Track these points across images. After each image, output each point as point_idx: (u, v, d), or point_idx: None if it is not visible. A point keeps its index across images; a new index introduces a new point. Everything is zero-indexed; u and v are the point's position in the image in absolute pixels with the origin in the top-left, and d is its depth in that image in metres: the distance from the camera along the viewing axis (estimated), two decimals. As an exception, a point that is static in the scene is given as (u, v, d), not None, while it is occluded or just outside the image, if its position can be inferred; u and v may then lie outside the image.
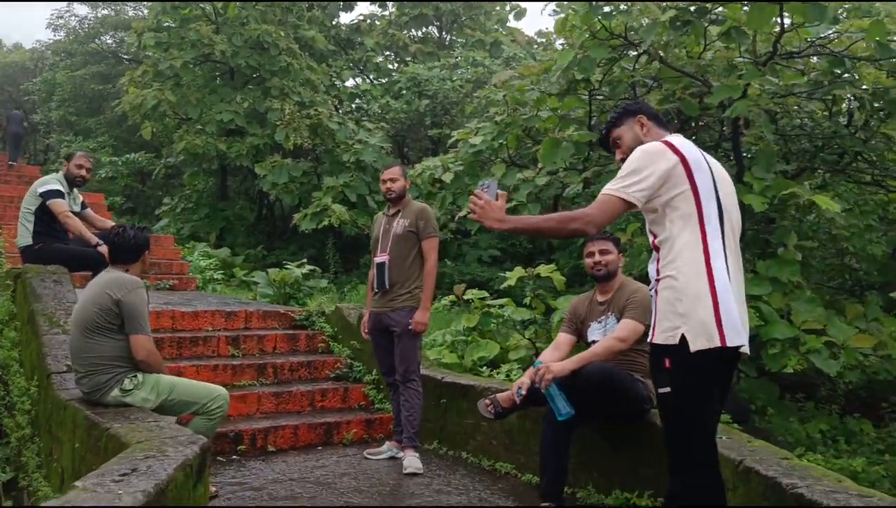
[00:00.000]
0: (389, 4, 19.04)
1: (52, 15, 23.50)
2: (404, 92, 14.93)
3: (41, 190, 5.58)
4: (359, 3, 17.74)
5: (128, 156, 17.71)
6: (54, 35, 24.22)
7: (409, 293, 4.69)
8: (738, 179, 8.29)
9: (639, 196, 2.61)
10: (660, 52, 8.10)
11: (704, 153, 2.75)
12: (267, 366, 5.75)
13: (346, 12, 18.64)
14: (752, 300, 6.91)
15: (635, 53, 8.67)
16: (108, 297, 3.80)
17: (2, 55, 29.57)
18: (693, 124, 10.16)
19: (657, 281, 2.69)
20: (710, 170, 2.69)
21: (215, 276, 9.96)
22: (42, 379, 4.44)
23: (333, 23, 18.36)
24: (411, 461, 4.62)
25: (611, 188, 2.65)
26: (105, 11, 23.11)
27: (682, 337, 2.52)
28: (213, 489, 4.02)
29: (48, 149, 25.38)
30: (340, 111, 15.03)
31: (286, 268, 9.20)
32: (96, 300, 3.83)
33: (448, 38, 19.63)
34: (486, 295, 7.65)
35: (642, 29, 7.50)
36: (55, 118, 23.16)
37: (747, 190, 7.38)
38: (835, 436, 7.87)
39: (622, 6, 7.82)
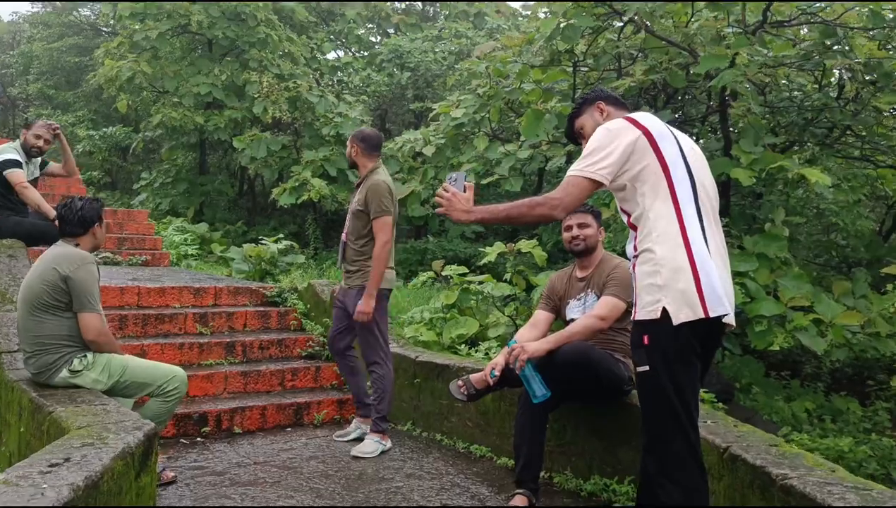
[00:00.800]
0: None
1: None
2: (386, 64, 14.59)
3: (-3, 160, 5.31)
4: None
5: (105, 130, 17.28)
6: (32, 7, 23.59)
7: (362, 271, 4.46)
8: (725, 152, 8.12)
9: (604, 173, 2.53)
10: (646, 21, 7.87)
11: (669, 126, 2.67)
12: (236, 344, 5.53)
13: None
14: (738, 276, 6.75)
15: (620, 24, 8.44)
16: (56, 273, 3.57)
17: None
18: (680, 97, 9.97)
19: (635, 257, 2.58)
20: (677, 141, 2.62)
21: (190, 252, 9.68)
22: (-7, 358, 4.20)
23: (315, -6, 17.92)
24: (364, 445, 4.44)
25: (575, 169, 2.58)
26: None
27: (664, 311, 2.42)
28: (170, 474, 3.83)
29: (26, 123, 24.87)
30: (321, 84, 14.65)
31: (262, 244, 8.94)
32: (43, 276, 3.59)
33: (432, 10, 19.23)
34: (466, 271, 7.43)
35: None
36: (33, 91, 22.59)
37: (734, 163, 7.20)
38: (821, 415, 7.76)
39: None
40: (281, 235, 9.64)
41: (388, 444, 4.56)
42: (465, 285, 7.21)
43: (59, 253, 3.67)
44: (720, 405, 6.54)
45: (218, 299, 6.16)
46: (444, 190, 2.64)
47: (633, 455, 3.53)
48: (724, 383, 7.99)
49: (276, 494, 3.69)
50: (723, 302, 2.44)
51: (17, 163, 5.29)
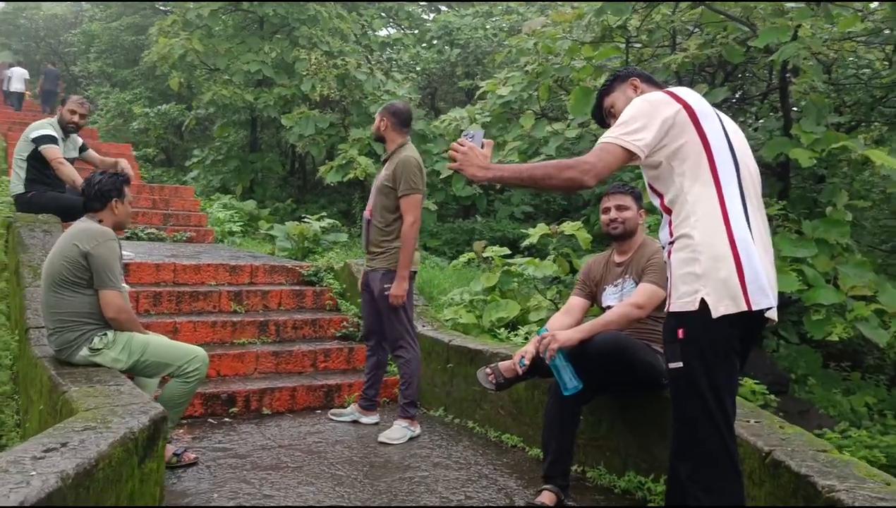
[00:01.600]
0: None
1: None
2: (436, 41, 14.36)
3: (33, 135, 5.31)
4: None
5: (160, 107, 17.52)
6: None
7: (386, 253, 4.30)
8: (784, 132, 7.69)
9: (641, 144, 2.29)
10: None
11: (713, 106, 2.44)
12: (269, 324, 5.46)
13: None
14: (795, 263, 6.40)
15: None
16: (77, 250, 3.51)
17: (47, 7, 29.48)
18: (740, 74, 9.50)
19: (670, 243, 2.34)
20: (720, 119, 2.40)
21: (234, 229, 9.70)
22: (21, 333, 4.21)
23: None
24: (391, 431, 4.31)
25: (610, 135, 2.32)
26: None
27: (703, 302, 2.20)
28: (192, 455, 3.77)
29: (89, 101, 25.44)
30: (371, 61, 14.53)
31: (305, 222, 8.89)
32: (64, 252, 3.54)
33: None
34: (508, 252, 7.23)
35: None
36: (93, 70, 23.10)
37: (794, 144, 6.80)
38: (882, 410, 7.36)
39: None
40: (324, 213, 9.58)
41: (417, 430, 4.42)
42: (507, 267, 7.02)
43: (81, 228, 3.62)
44: (772, 397, 6.23)
45: (254, 277, 6.10)
46: (461, 144, 2.38)
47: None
48: (778, 373, 7.64)
49: (296, 480, 3.58)
50: (767, 295, 2.22)
51: (53, 139, 5.28)
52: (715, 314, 2.19)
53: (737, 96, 9.25)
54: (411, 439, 4.35)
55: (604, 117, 2.75)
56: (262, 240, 10.46)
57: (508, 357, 3.82)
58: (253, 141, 16.10)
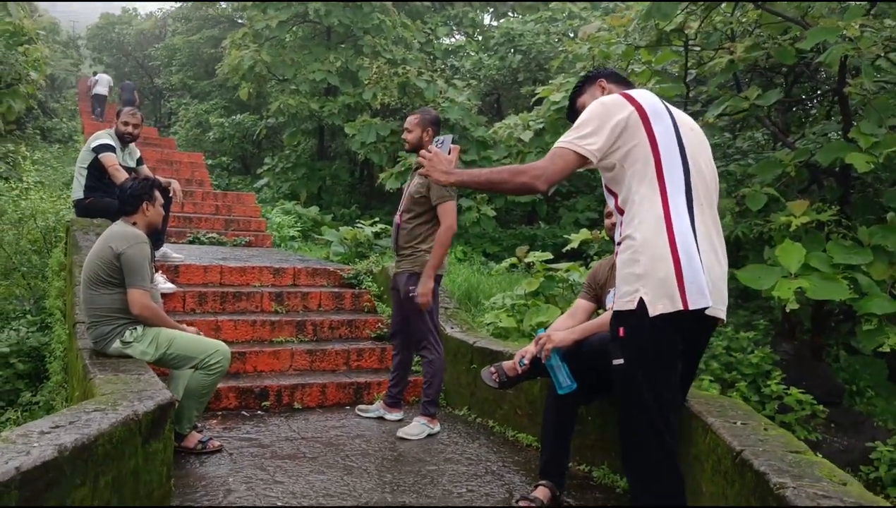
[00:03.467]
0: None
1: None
2: (499, 48, 14.47)
3: (93, 144, 5.71)
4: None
5: (233, 117, 18.25)
6: (175, 2, 25.25)
7: (413, 256, 4.43)
8: (844, 135, 7.46)
9: (593, 149, 2.36)
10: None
11: (669, 105, 2.50)
12: (307, 323, 5.69)
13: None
14: (847, 270, 6.22)
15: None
16: (110, 251, 3.80)
17: (137, 23, 31.12)
18: (801, 75, 9.24)
19: (618, 244, 2.43)
20: (673, 120, 2.44)
21: (292, 234, 10.06)
22: (70, 327, 4.55)
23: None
24: (410, 427, 4.44)
25: (564, 140, 2.40)
26: (220, -24, 23.80)
27: (641, 301, 2.27)
28: (216, 443, 4.00)
29: (171, 113, 26.70)
30: (434, 69, 14.77)
31: (358, 227, 9.15)
32: (99, 253, 3.84)
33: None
34: (550, 257, 7.28)
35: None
36: (175, 82, 24.25)
37: (852, 147, 6.61)
38: (947, 424, 7.04)
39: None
40: (377, 218, 9.82)
41: (437, 428, 4.55)
42: (550, 272, 7.08)
43: (116, 231, 3.91)
44: (821, 407, 6.09)
45: (296, 279, 6.36)
46: (427, 150, 2.56)
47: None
48: (833, 384, 7.39)
49: (309, 469, 3.77)
50: (705, 294, 2.26)
51: (110, 148, 5.67)
52: (652, 313, 2.24)
53: (790, 98, 9.00)
54: (429, 436, 4.48)
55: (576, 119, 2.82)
56: (319, 245, 10.82)
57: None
58: (321, 149, 16.59)
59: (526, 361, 3.51)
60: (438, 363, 4.52)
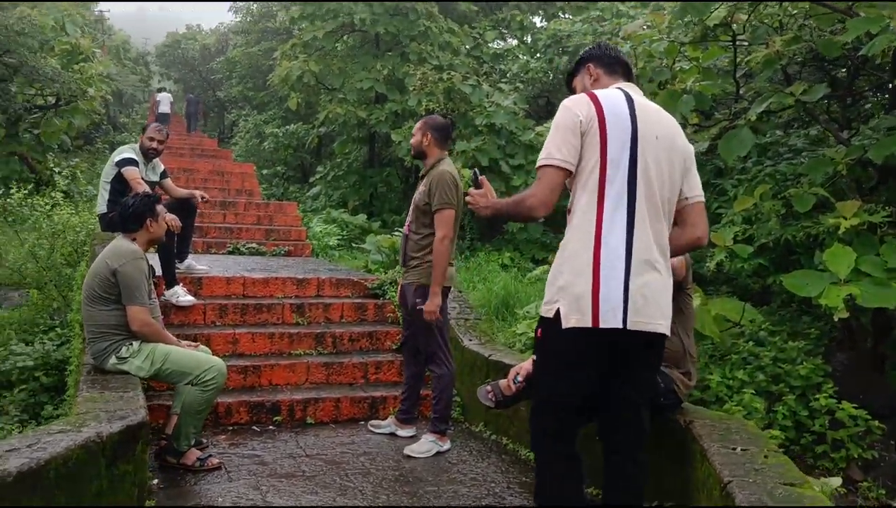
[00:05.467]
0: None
1: (229, -3, 25.04)
2: (547, 50, 14.21)
3: (117, 159, 5.77)
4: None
5: (287, 127, 18.49)
6: (235, 17, 25.84)
7: (420, 267, 4.29)
8: (898, 129, 6.97)
9: (569, 159, 2.36)
10: (804, -16, 6.93)
11: (645, 102, 2.45)
12: (326, 336, 5.62)
13: (494, -29, 18.06)
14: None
15: (780, -11, 7.52)
16: (106, 267, 3.79)
17: (201, 38, 32.00)
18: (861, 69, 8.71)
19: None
20: (634, 127, 2.35)
21: (331, 243, 10.05)
22: (82, 341, 4.58)
23: (482, -17, 17.92)
24: (418, 445, 4.29)
25: (540, 158, 2.43)
26: (277, -10, 24.21)
27: (557, 312, 2.35)
28: (215, 461, 3.95)
29: (233, 124, 27.30)
30: (481, 73, 14.60)
31: (395, 234, 9.05)
32: (96, 270, 3.83)
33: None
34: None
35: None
36: (235, 94, 24.79)
37: (905, 143, 6.16)
38: None
39: (747, -67, 6.74)
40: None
41: (446, 446, 4.39)
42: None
43: (113, 247, 3.90)
44: (876, 423, 5.66)
45: (320, 290, 6.30)
46: (478, 191, 2.64)
47: (677, 482, 3.10)
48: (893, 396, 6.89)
49: (304, 489, 3.67)
50: (617, 315, 2.26)
51: (133, 162, 5.72)
52: (565, 324, 2.31)
53: (841, 92, 8.48)
54: (438, 454, 4.32)
55: None
56: (365, 253, 10.79)
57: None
58: (371, 156, 16.62)
59: (520, 378, 3.33)
60: (447, 378, 4.37)
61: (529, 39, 16.63)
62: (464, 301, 5.87)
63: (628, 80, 2.60)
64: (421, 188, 4.36)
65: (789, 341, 6.56)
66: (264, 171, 18.72)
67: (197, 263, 6.30)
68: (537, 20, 18.28)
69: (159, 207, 4.09)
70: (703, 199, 2.61)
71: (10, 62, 10.84)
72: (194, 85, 30.40)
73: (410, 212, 4.48)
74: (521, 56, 15.09)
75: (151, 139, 5.89)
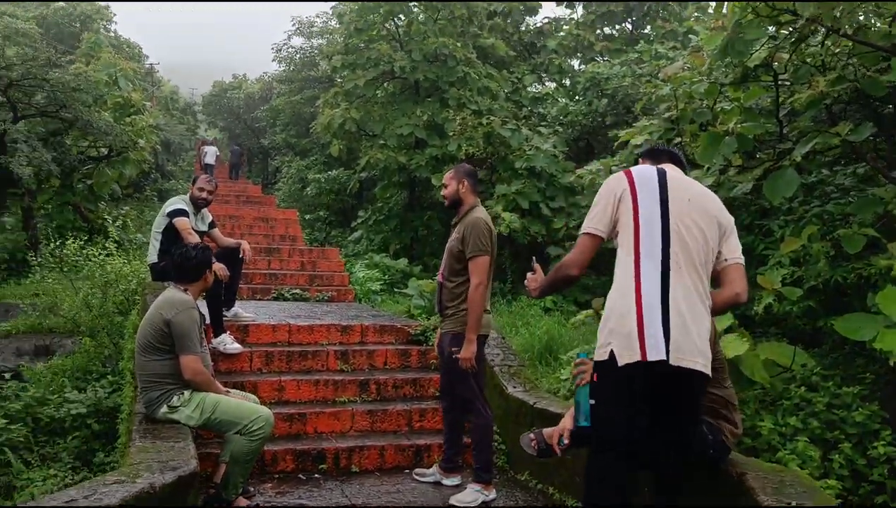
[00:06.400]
0: (577, 5, 18.46)
1: (273, 48, 25.79)
2: (586, 92, 14.29)
3: (168, 210, 5.94)
4: (543, 3, 17.37)
5: (329, 172, 18.82)
6: (279, 67, 26.58)
7: (455, 316, 4.29)
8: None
9: (600, 227, 2.76)
10: (846, 26, 6.90)
11: (679, 177, 2.83)
12: (370, 383, 5.64)
13: (531, 17, 18.32)
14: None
15: (823, 32, 7.49)
16: (160, 317, 3.88)
17: (246, 87, 32.99)
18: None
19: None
20: (664, 193, 2.72)
21: (374, 288, 10.12)
22: (134, 390, 4.67)
23: (521, 28, 18.18)
24: (463, 494, 4.25)
25: (583, 226, 2.83)
26: (319, 41, 24.89)
27: (612, 353, 2.60)
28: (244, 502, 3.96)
29: (277, 170, 27.90)
30: (520, 117, 14.74)
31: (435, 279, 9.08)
32: (150, 319, 3.93)
33: (639, 33, 18.56)
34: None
35: (799, 2, 6.38)
36: (279, 141, 25.39)
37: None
38: None
39: (785, -25, 6.74)
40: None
41: (492, 495, 4.34)
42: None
43: (165, 298, 4.00)
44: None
45: (364, 337, 6.34)
46: (530, 274, 3.13)
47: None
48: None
49: (349, 541, 3.65)
50: (660, 349, 2.52)
51: (184, 213, 5.88)
52: (620, 362, 2.56)
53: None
54: (484, 503, 4.27)
55: None
56: (407, 297, 10.83)
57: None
58: (411, 200, 16.79)
59: (566, 440, 3.31)
60: (485, 427, 4.34)
61: (568, 82, 16.76)
62: (507, 347, 5.85)
63: (676, 165, 3.00)
64: (454, 235, 4.39)
65: (843, 386, 6.38)
66: (307, 216, 19.02)
67: (243, 310, 6.40)
68: (575, 63, 18.45)
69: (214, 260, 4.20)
70: (742, 261, 2.88)
71: (66, 117, 11.27)
72: (239, 133, 31.24)
73: (444, 260, 4.49)
74: (559, 99, 15.20)
75: (201, 189, 6.05)
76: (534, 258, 3.26)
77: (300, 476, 4.75)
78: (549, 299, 12.50)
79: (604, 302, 7.42)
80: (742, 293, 2.84)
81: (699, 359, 2.58)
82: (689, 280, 2.64)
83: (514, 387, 5.23)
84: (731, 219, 2.87)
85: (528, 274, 3.13)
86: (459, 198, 4.46)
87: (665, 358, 2.53)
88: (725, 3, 7.22)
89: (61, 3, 31.09)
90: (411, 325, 6.57)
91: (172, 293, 4.03)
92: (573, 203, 12.81)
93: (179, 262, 4.14)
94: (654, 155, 3.08)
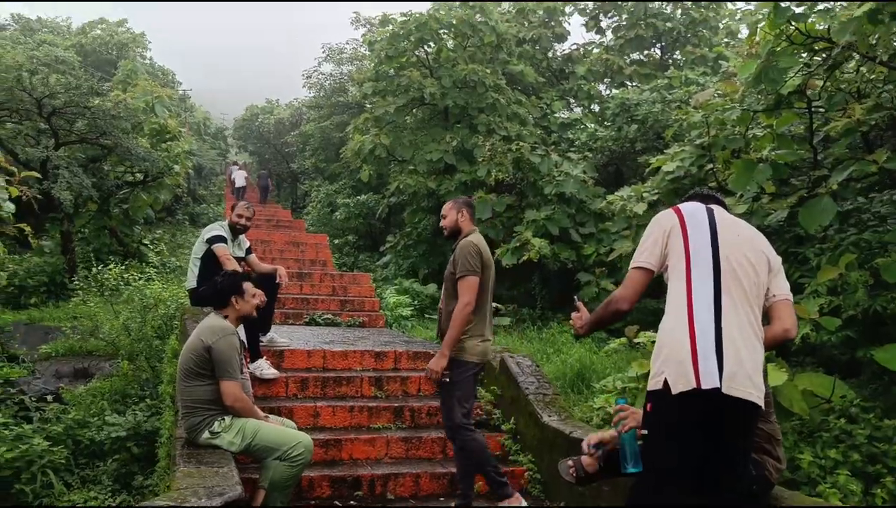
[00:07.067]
0: (607, 30, 18.57)
1: (303, 74, 26.19)
2: (616, 118, 14.32)
3: (207, 236, 6.04)
4: (572, 29, 17.50)
5: (357, 197, 18.99)
6: (309, 93, 26.96)
7: None
8: None
9: (652, 260, 2.82)
10: (881, 53, 6.88)
11: (726, 215, 2.91)
12: (404, 409, 5.65)
13: (560, 43, 18.45)
14: None
15: (857, 58, 7.47)
16: (201, 343, 3.95)
17: (277, 112, 33.45)
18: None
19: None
20: (713, 227, 2.79)
21: (404, 314, 10.16)
22: (174, 414, 4.74)
23: (548, 55, 18.30)
24: None
25: (632, 261, 2.89)
26: (348, 67, 25.24)
27: (665, 382, 2.62)
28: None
29: (306, 194, 28.19)
30: (548, 143, 14.81)
31: (468, 305, 9.11)
32: (191, 345, 4.00)
33: (669, 58, 18.59)
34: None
35: (834, 29, 6.38)
36: (308, 166, 25.68)
37: None
38: None
39: (820, 5, 6.75)
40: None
41: (522, 501, 4.34)
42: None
43: (206, 324, 4.07)
44: None
45: (398, 363, 6.37)
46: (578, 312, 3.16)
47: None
48: None
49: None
50: (714, 377, 2.53)
51: (222, 239, 5.98)
52: (674, 390, 2.57)
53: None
54: None
55: None
56: (432, 323, 10.87)
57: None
58: (439, 225, 16.87)
59: (593, 447, 3.32)
60: (464, 453, 4.33)
61: (597, 108, 16.81)
62: (541, 375, 5.83)
63: (720, 206, 3.08)
64: (451, 261, 4.41)
65: (885, 418, 6.27)
66: (335, 240, 19.18)
67: (278, 335, 6.46)
68: (603, 88, 18.52)
69: (247, 284, 4.25)
70: (790, 298, 2.92)
71: (105, 143, 11.54)
72: (269, 157, 31.65)
73: (443, 287, 4.51)
74: (588, 125, 15.24)
75: (240, 216, 6.16)
76: (576, 296, 3.30)
77: (336, 502, 4.76)
78: (578, 325, 12.46)
79: (637, 330, 7.35)
80: (792, 328, 2.86)
81: (752, 391, 2.59)
82: (741, 311, 2.66)
83: (550, 416, 5.21)
84: (779, 259, 2.92)
85: (573, 314, 3.17)
86: (459, 228, 4.48)
87: (718, 387, 2.54)
88: (758, 30, 7.23)
89: (98, 32, 31.92)
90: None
91: (213, 319, 4.10)
92: (603, 229, 12.79)
93: (210, 288, 4.22)
94: (701, 199, 3.12)
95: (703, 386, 2.53)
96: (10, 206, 4.43)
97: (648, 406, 2.71)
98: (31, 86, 10.74)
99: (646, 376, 6.77)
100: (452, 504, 4.69)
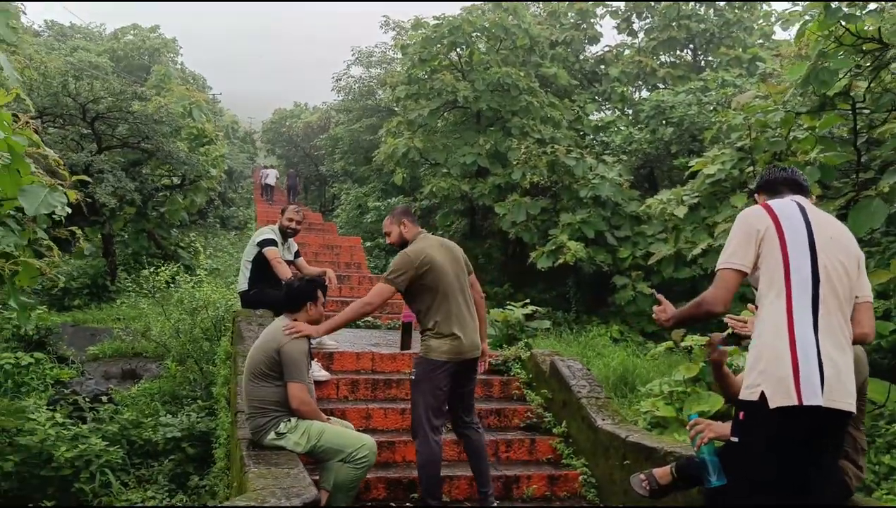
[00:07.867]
0: (639, 32, 18.49)
1: (332, 78, 26.38)
2: (650, 121, 14.26)
3: (258, 239, 6.11)
4: (604, 31, 17.45)
5: (388, 200, 19.07)
6: (338, 96, 27.14)
7: (420, 341, 4.35)
8: None
9: (745, 262, 2.72)
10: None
11: (816, 211, 2.79)
12: (455, 412, 5.66)
13: (592, 45, 18.42)
14: None
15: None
16: (272, 346, 4.00)
17: (305, 116, 33.70)
18: None
19: (752, 338, 2.75)
20: (809, 231, 2.70)
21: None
22: (233, 415, 4.80)
23: (580, 58, 18.26)
24: None
25: (719, 261, 2.79)
26: (377, 70, 25.37)
27: (762, 394, 2.58)
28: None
29: (335, 197, 28.36)
30: (582, 146, 14.78)
31: (508, 309, 9.11)
32: (262, 346, 4.05)
33: (702, 60, 18.47)
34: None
35: (885, 30, 6.31)
36: (337, 169, 25.84)
37: None
38: None
39: (871, 5, 6.67)
40: (528, 299, 9.75)
41: None
42: (709, 356, 6.65)
43: (278, 326, 4.11)
44: None
45: (445, 365, 6.38)
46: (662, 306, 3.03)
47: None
48: None
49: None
50: (817, 394, 2.50)
51: (273, 242, 6.05)
52: (772, 405, 2.54)
53: None
54: None
55: None
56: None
57: (683, 457, 3.68)
58: (472, 228, 16.89)
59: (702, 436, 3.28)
60: (421, 455, 4.27)
61: (630, 111, 16.75)
62: (592, 379, 5.82)
63: (799, 193, 2.90)
64: None
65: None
66: (367, 243, 19.28)
67: (327, 338, 6.51)
68: (632, 90, 18.44)
69: (319, 291, 4.29)
70: (871, 299, 2.87)
71: (146, 147, 11.72)
72: (297, 160, 31.86)
73: None
74: (622, 127, 15.19)
75: (290, 220, 6.22)
76: (654, 290, 3.25)
77: (391, 504, 4.79)
78: (615, 328, 12.42)
79: (684, 334, 7.27)
80: (870, 333, 2.84)
81: (850, 401, 2.59)
82: (836, 321, 2.64)
83: (604, 420, 5.20)
84: (862, 254, 2.85)
85: (656, 307, 3.07)
86: (405, 240, 4.44)
87: (822, 404, 2.53)
88: (806, 31, 7.16)
89: (130, 37, 32.38)
90: (491, 355, 6.59)
91: (284, 322, 4.14)
92: (639, 232, 12.74)
93: (285, 292, 4.28)
94: (769, 189, 2.97)
95: (805, 403, 2.51)
96: (67, 210, 4.50)
97: (741, 415, 2.69)
98: (76, 91, 10.94)
99: (693, 380, 6.76)
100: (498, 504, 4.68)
